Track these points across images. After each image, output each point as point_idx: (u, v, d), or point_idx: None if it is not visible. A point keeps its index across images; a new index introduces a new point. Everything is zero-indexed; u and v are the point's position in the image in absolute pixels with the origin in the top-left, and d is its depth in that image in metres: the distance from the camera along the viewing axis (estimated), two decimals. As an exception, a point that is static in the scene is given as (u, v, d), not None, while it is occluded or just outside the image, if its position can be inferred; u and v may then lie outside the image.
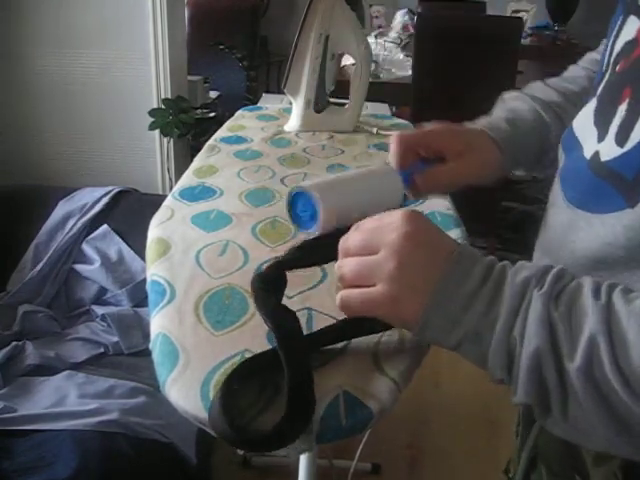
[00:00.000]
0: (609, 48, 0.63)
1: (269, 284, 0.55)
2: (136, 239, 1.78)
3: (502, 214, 3.30)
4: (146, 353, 0.59)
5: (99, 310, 1.71)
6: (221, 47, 2.87)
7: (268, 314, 0.52)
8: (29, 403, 1.36)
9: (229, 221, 0.81)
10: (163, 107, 2.12)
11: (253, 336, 0.56)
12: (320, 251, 0.57)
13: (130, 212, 1.86)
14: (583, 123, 0.62)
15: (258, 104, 1.68)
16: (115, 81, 2.15)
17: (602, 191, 0.55)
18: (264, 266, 0.59)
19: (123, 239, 1.82)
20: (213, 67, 2.84)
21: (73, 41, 2.12)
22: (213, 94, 2.60)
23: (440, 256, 0.49)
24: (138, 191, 1.97)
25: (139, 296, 1.74)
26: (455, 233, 0.79)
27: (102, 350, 1.60)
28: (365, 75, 1.26)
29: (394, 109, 2.68)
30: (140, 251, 1.72)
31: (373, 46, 3.15)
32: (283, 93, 1.30)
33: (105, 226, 1.83)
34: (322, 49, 1.22)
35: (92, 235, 1.83)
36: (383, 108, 1.75)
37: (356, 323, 0.54)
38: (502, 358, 0.46)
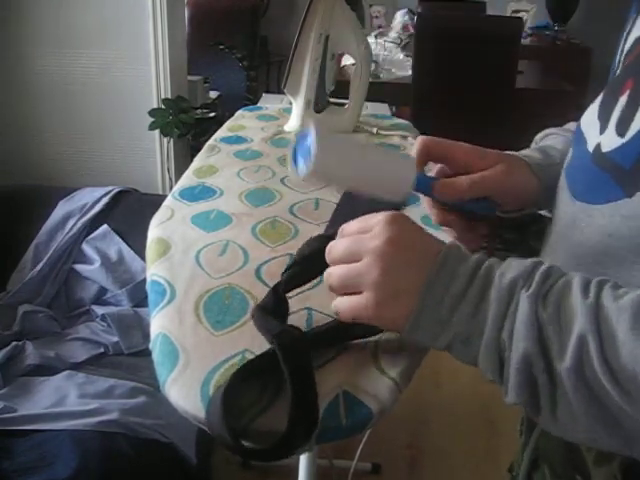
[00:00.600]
0: (621, 45, 0.63)
1: (269, 310, 0.56)
2: (136, 239, 1.78)
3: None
4: (146, 353, 0.59)
5: (99, 310, 1.71)
6: (221, 47, 2.87)
7: (271, 337, 0.52)
8: (29, 403, 1.36)
9: (229, 221, 0.81)
10: (163, 107, 2.12)
11: (253, 336, 0.56)
12: (316, 262, 0.56)
13: (130, 212, 1.86)
14: (589, 118, 0.61)
15: (258, 104, 1.68)
16: (115, 81, 2.15)
17: (602, 182, 0.54)
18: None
19: (123, 239, 1.82)
20: (213, 67, 2.84)
21: (73, 41, 2.12)
22: (213, 94, 2.60)
23: (425, 259, 0.49)
24: (138, 191, 1.97)
25: (139, 296, 1.74)
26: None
27: (102, 350, 1.60)
28: (365, 75, 1.26)
29: (394, 109, 2.68)
30: (140, 251, 1.72)
31: (373, 46, 3.15)
32: (283, 93, 1.30)
33: (105, 226, 1.83)
34: (322, 49, 1.22)
35: (92, 235, 1.83)
36: (383, 108, 1.75)
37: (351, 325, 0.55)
38: (492, 361, 0.46)
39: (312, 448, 0.48)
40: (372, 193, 0.62)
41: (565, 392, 0.44)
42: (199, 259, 0.71)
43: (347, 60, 2.45)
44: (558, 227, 0.62)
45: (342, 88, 1.34)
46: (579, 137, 0.62)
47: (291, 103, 1.28)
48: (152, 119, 2.09)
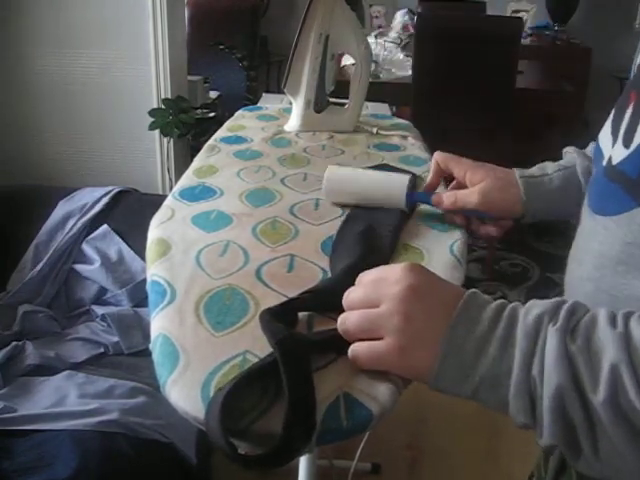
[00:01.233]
0: (635, 60, 0.64)
1: (278, 317, 0.56)
2: (136, 239, 1.78)
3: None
4: (146, 353, 0.59)
5: (99, 310, 1.71)
6: (221, 47, 2.87)
7: (273, 342, 0.52)
8: (29, 403, 1.36)
9: (229, 221, 0.81)
10: (163, 107, 2.12)
11: (254, 337, 0.56)
12: (330, 298, 0.57)
13: (130, 212, 1.85)
14: (604, 133, 0.64)
15: (258, 104, 1.68)
16: (115, 81, 2.15)
17: (613, 194, 0.57)
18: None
19: (123, 239, 1.82)
20: (213, 67, 2.84)
21: (73, 41, 2.12)
22: (213, 94, 2.60)
23: (446, 305, 0.49)
24: (138, 191, 1.97)
25: (139, 296, 1.74)
26: (455, 233, 0.79)
27: (102, 350, 1.60)
28: (365, 75, 1.26)
29: (394, 109, 2.68)
30: (140, 251, 1.72)
31: (373, 46, 3.15)
32: (283, 93, 1.30)
33: (105, 226, 1.83)
34: (322, 49, 1.22)
35: (92, 235, 1.83)
36: (383, 108, 1.75)
37: None
38: (524, 401, 0.45)
39: (312, 450, 0.48)
40: (377, 206, 0.82)
41: (604, 428, 0.42)
42: (199, 259, 0.71)
43: (347, 60, 2.44)
44: (580, 240, 0.64)
45: (342, 88, 1.33)
46: (597, 153, 0.64)
47: (291, 103, 1.28)
48: (152, 119, 2.09)
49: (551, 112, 3.01)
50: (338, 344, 0.53)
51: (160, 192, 2.24)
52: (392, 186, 0.82)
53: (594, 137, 0.67)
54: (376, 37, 3.44)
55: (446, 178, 0.85)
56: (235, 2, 3.41)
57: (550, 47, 4.39)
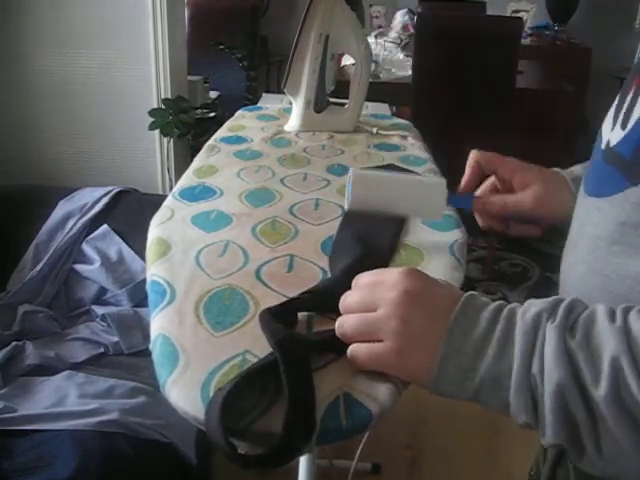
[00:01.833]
0: (638, 50, 0.65)
1: (277, 317, 0.56)
2: (136, 239, 1.78)
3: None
4: (146, 353, 0.59)
5: (99, 310, 1.71)
6: (221, 47, 2.87)
7: (273, 342, 0.52)
8: (29, 403, 1.36)
9: (229, 221, 0.81)
10: (163, 107, 2.12)
11: (254, 337, 0.56)
12: (330, 298, 0.57)
13: (130, 212, 1.85)
14: (607, 120, 0.63)
15: (258, 104, 1.68)
16: (115, 81, 2.15)
17: (609, 176, 0.57)
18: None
19: (123, 239, 1.82)
20: (213, 67, 2.84)
21: (73, 41, 2.12)
22: (213, 94, 2.60)
23: (443, 309, 0.49)
24: (138, 191, 1.97)
25: (139, 296, 1.74)
26: (454, 233, 0.79)
27: (102, 350, 1.60)
28: (365, 75, 1.26)
29: (394, 109, 2.68)
30: (140, 251, 1.72)
31: (373, 46, 3.15)
32: (283, 93, 1.30)
33: (105, 226, 1.83)
34: (322, 49, 1.22)
35: (92, 235, 1.83)
36: (383, 108, 1.75)
37: None
38: (525, 400, 0.45)
39: (312, 449, 0.48)
40: (412, 215, 0.77)
41: (606, 424, 0.42)
42: (199, 259, 0.71)
43: (347, 60, 2.44)
44: (575, 223, 0.64)
45: (342, 88, 1.33)
46: (598, 139, 0.64)
47: (291, 103, 1.28)
48: (152, 119, 2.09)
49: (551, 112, 3.01)
50: (338, 344, 0.53)
51: (160, 192, 2.24)
52: (430, 192, 0.74)
53: (594, 137, 0.66)
54: (376, 37, 3.44)
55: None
56: (235, 2, 3.41)
57: (550, 47, 4.39)
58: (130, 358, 1.57)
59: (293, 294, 0.62)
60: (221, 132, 1.22)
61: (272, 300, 0.62)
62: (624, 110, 0.58)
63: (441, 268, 0.70)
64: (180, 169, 2.16)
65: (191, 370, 0.53)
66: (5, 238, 1.83)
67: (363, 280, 0.55)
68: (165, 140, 2.19)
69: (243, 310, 0.61)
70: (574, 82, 3.36)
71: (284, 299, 0.61)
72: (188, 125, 2.11)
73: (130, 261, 1.79)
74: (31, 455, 1.21)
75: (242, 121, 1.31)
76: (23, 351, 1.52)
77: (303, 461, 1.12)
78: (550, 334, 0.44)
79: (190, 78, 2.34)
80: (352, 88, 1.27)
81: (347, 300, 0.54)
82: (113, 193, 1.89)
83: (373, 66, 2.96)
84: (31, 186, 2.03)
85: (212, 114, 2.35)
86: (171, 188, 1.02)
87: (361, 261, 0.67)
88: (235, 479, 1.66)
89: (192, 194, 0.90)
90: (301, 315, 0.60)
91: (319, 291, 0.62)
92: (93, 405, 1.33)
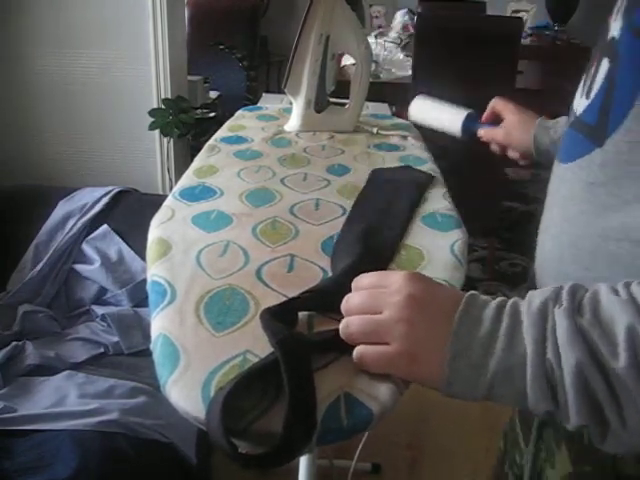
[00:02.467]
0: (603, 32, 0.72)
1: (277, 316, 0.56)
2: (136, 239, 1.78)
3: (502, 214, 3.31)
4: (146, 353, 0.59)
5: (99, 310, 1.71)
6: (221, 47, 2.86)
7: (274, 342, 0.52)
8: (29, 403, 1.36)
9: (229, 221, 0.81)
10: (163, 107, 2.12)
11: (254, 337, 0.56)
12: (331, 298, 0.57)
13: (130, 212, 1.85)
14: (577, 94, 0.70)
15: (258, 104, 1.68)
16: (115, 81, 2.15)
17: (578, 142, 0.64)
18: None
19: (123, 239, 1.82)
20: (213, 67, 2.84)
21: (73, 41, 2.11)
22: (213, 94, 2.60)
23: (446, 313, 0.49)
24: (138, 191, 1.97)
25: (139, 296, 1.74)
26: (455, 233, 0.79)
27: (102, 350, 1.60)
28: (365, 75, 1.26)
29: (394, 109, 2.68)
30: (140, 251, 1.72)
31: (373, 46, 3.15)
32: (283, 93, 1.30)
33: (105, 226, 1.83)
34: (322, 49, 1.22)
35: (92, 235, 1.83)
36: (383, 108, 1.75)
37: None
38: (543, 388, 0.45)
39: (313, 449, 0.48)
40: (442, 130, 1.15)
41: (629, 394, 0.43)
42: (200, 259, 0.71)
43: (347, 60, 2.44)
44: (551, 189, 0.70)
45: (342, 88, 1.33)
46: (570, 112, 0.71)
47: (291, 103, 1.28)
48: (152, 119, 2.08)
49: (551, 112, 3.01)
50: (339, 344, 0.53)
51: (160, 192, 2.24)
52: (454, 116, 1.13)
53: None
54: (376, 37, 3.44)
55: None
56: (235, 2, 3.41)
57: (550, 47, 4.39)
58: (130, 358, 1.57)
59: (293, 294, 0.62)
60: (221, 132, 1.22)
61: (272, 300, 0.62)
62: (588, 82, 0.65)
63: (442, 268, 0.70)
64: (180, 169, 2.16)
65: (192, 370, 0.53)
66: (5, 238, 1.83)
67: (364, 282, 0.55)
68: (165, 140, 2.19)
69: (244, 310, 0.61)
70: (574, 82, 3.35)
71: (284, 299, 0.61)
72: (188, 125, 2.11)
73: (130, 261, 1.79)
74: (31, 455, 1.21)
75: (242, 121, 1.31)
76: (23, 351, 1.51)
77: (303, 461, 1.12)
78: (560, 318, 0.45)
79: (190, 78, 2.34)
80: (352, 88, 1.27)
81: (350, 302, 0.54)
82: (113, 193, 1.89)
83: (373, 66, 2.96)
84: (31, 186, 2.02)
85: (212, 114, 2.34)
86: (171, 188, 1.02)
87: (362, 261, 0.67)
88: (235, 479, 1.66)
89: (192, 194, 0.90)
90: (302, 315, 0.60)
91: (320, 291, 0.62)
92: (93, 405, 1.33)
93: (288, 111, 1.31)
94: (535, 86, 3.31)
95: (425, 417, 2.03)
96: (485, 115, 1.10)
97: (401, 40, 3.47)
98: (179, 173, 1.39)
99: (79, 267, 1.80)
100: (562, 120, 0.97)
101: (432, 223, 0.82)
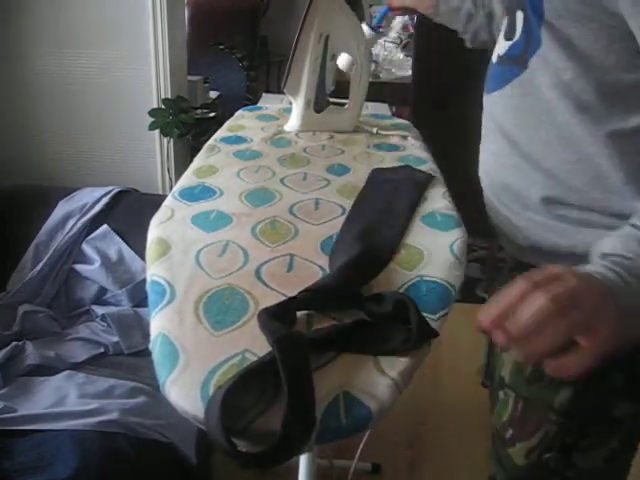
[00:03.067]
0: None
1: (276, 316, 0.56)
2: (136, 239, 1.78)
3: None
4: (146, 353, 0.59)
5: (99, 310, 1.71)
6: (221, 47, 2.87)
7: (272, 341, 0.52)
8: (29, 403, 1.36)
9: (229, 221, 0.81)
10: (163, 107, 2.12)
11: (253, 336, 0.56)
12: (329, 297, 0.58)
13: (130, 212, 1.85)
14: (495, 48, 0.93)
15: (258, 104, 1.68)
16: (115, 81, 2.15)
17: (504, 72, 0.87)
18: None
19: (123, 239, 1.82)
20: (213, 67, 2.84)
21: (73, 41, 2.12)
22: (213, 94, 2.60)
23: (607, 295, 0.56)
24: (138, 191, 1.97)
25: (139, 296, 1.74)
26: (455, 232, 0.79)
27: (102, 350, 1.60)
28: (365, 75, 1.26)
29: (394, 109, 2.68)
30: (140, 251, 1.72)
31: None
32: (283, 93, 1.30)
33: (105, 226, 1.83)
34: (322, 49, 1.22)
35: (92, 235, 1.83)
36: (383, 108, 1.75)
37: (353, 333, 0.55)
38: None
39: (312, 448, 0.48)
40: None
41: None
42: (199, 259, 0.71)
43: (341, 62, 2.44)
44: (483, 122, 0.96)
45: (342, 88, 1.33)
46: (490, 61, 0.94)
47: (291, 103, 1.28)
48: (152, 119, 2.09)
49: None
50: (337, 343, 0.53)
51: (160, 192, 2.24)
52: None
53: None
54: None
55: None
56: (235, 2, 3.41)
57: None
58: (130, 358, 1.57)
59: (293, 294, 0.62)
60: (221, 132, 1.22)
61: (272, 299, 0.62)
62: (509, 29, 0.87)
63: (441, 267, 0.70)
64: (180, 169, 2.16)
65: (191, 369, 0.53)
66: (5, 238, 1.83)
67: (545, 297, 0.54)
68: (165, 140, 2.19)
69: (243, 309, 0.61)
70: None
71: (284, 298, 0.61)
72: (188, 125, 2.11)
73: (130, 261, 1.79)
74: (31, 455, 1.21)
75: (242, 121, 1.31)
76: (23, 351, 1.51)
77: (303, 461, 1.12)
78: None
79: (190, 78, 2.34)
80: (352, 88, 1.27)
81: (525, 318, 0.53)
82: (113, 193, 1.89)
83: (373, 66, 2.96)
84: (31, 186, 2.02)
85: (212, 114, 2.34)
86: (171, 188, 1.02)
87: (360, 259, 0.67)
88: (235, 479, 1.66)
89: (192, 194, 0.90)
90: (300, 314, 0.60)
91: (318, 289, 0.62)
92: (93, 405, 1.33)
93: (288, 111, 1.31)
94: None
95: (425, 417, 2.03)
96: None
97: (401, 40, 3.47)
98: (179, 173, 1.39)
99: (79, 267, 1.80)
100: None
101: (432, 222, 0.82)
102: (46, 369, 1.48)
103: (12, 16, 2.09)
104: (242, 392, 0.49)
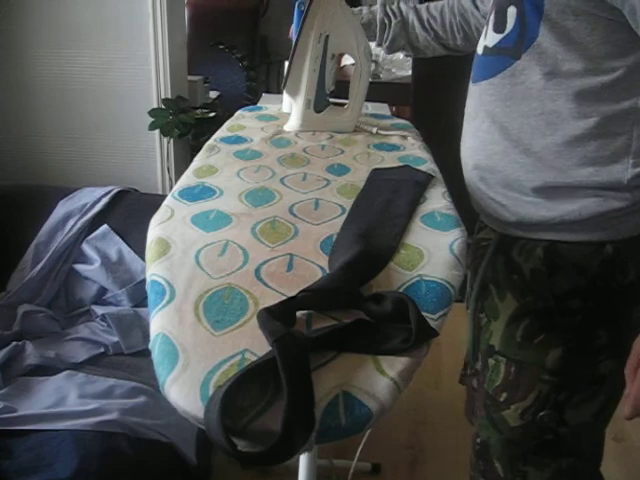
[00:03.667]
0: None
1: (275, 316, 0.56)
2: (136, 239, 1.78)
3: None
4: (146, 353, 0.59)
5: (99, 310, 1.71)
6: (221, 47, 2.87)
7: (271, 341, 0.52)
8: (29, 403, 1.36)
9: (229, 221, 0.81)
10: (163, 107, 2.12)
11: (253, 336, 0.56)
12: (328, 296, 0.58)
13: (130, 212, 1.86)
14: (479, 42, 0.99)
15: (258, 104, 1.68)
16: (115, 81, 2.15)
17: (493, 62, 0.92)
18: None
19: (123, 239, 1.82)
20: (213, 67, 2.85)
21: (73, 41, 2.12)
22: (213, 94, 2.61)
23: None
24: (138, 191, 1.97)
25: (139, 296, 1.74)
26: (455, 232, 0.79)
27: (102, 350, 1.60)
28: (365, 75, 1.26)
29: (394, 109, 2.68)
30: (140, 251, 1.72)
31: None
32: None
33: (105, 226, 1.83)
34: (322, 49, 1.22)
35: (92, 235, 1.83)
36: (383, 108, 1.75)
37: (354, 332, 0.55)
38: None
39: (311, 448, 0.48)
40: None
41: None
42: (199, 259, 0.71)
43: (347, 60, 2.44)
44: (467, 109, 1.00)
45: (342, 88, 1.33)
46: (475, 54, 1.00)
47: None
48: (152, 119, 2.09)
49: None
50: (337, 343, 0.53)
51: (160, 192, 2.24)
52: None
53: None
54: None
55: None
56: (235, 2, 3.41)
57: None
58: (130, 358, 1.57)
59: (292, 293, 0.62)
60: (221, 132, 1.22)
61: (271, 299, 0.62)
62: (492, 23, 0.92)
63: (441, 267, 0.70)
64: (180, 169, 2.16)
65: (190, 369, 0.53)
66: (5, 238, 1.83)
67: None
68: (165, 140, 2.19)
69: (242, 309, 0.61)
70: None
71: (283, 298, 0.61)
72: (188, 125, 2.11)
73: (130, 261, 1.79)
74: (31, 455, 1.21)
75: (242, 121, 1.31)
76: (23, 351, 1.52)
77: (303, 461, 1.12)
78: None
79: (190, 78, 2.34)
80: (352, 88, 1.27)
81: None
82: (113, 193, 1.89)
83: (373, 66, 2.96)
84: (31, 186, 2.03)
85: (212, 114, 2.34)
86: (171, 188, 1.02)
87: (359, 259, 0.67)
88: (235, 479, 1.66)
89: (192, 194, 0.90)
90: (300, 313, 0.60)
91: (317, 289, 0.62)
92: (93, 405, 1.33)
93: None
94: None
95: (425, 417, 2.03)
96: None
97: (401, 40, 3.47)
98: (179, 173, 1.39)
99: (79, 267, 1.80)
100: (372, 9, 1.28)
101: (431, 222, 0.82)
102: (46, 369, 1.48)
103: (12, 16, 2.09)
104: (242, 392, 0.49)
